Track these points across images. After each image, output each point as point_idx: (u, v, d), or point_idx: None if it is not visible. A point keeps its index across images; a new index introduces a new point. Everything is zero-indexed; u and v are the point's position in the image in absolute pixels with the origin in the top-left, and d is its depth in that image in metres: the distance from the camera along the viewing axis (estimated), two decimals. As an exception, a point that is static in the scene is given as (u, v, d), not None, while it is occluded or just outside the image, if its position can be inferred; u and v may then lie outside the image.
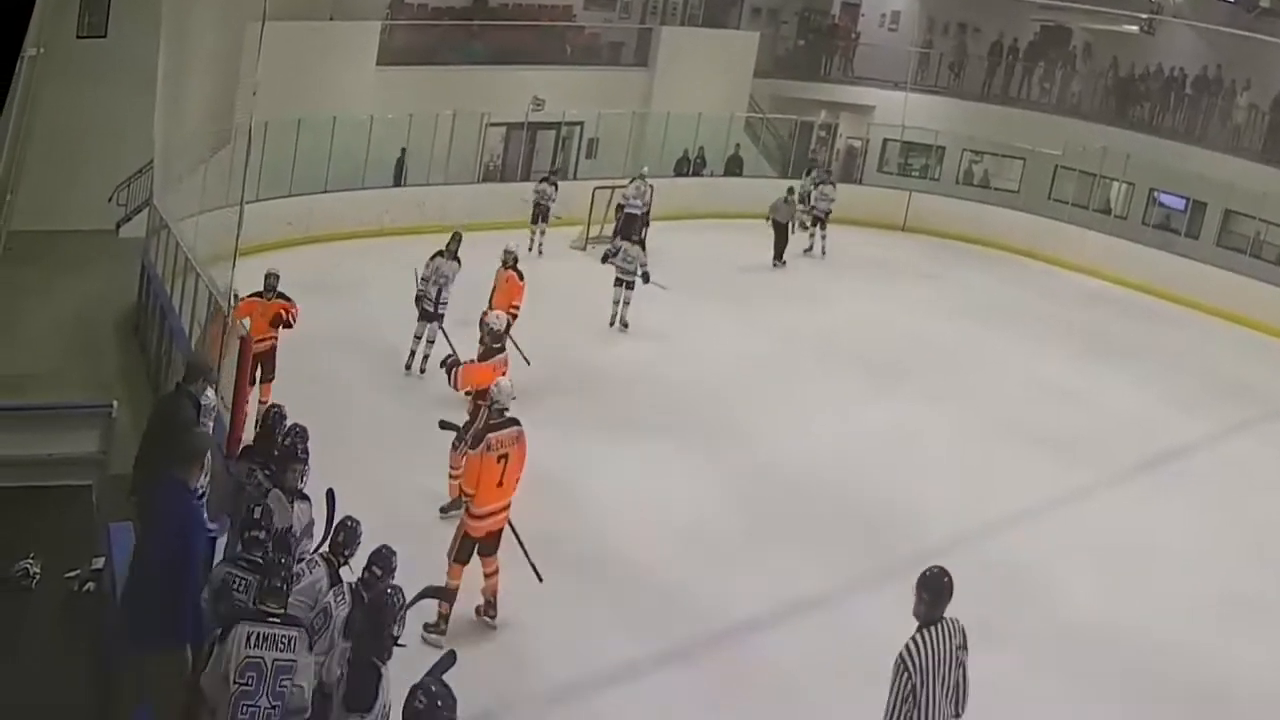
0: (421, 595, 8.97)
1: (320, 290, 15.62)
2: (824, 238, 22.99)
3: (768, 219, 21.87)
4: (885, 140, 28.16)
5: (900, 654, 6.07)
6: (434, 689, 5.03)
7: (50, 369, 12.92)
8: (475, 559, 9.04)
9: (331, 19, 22.05)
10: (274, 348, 12.34)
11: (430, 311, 14.25)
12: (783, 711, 8.65)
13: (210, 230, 13.33)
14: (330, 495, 7.30)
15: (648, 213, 21.06)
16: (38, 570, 8.65)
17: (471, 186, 23.07)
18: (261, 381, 11.95)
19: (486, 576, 9.16)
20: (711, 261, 21.01)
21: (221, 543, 7.42)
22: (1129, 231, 24.32)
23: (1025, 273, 23.54)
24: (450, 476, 10.79)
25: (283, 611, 5.80)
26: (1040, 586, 10.81)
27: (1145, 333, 20.08)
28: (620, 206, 21.18)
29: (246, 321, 11.40)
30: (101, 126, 17.87)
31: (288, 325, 12.44)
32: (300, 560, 6.70)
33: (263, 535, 6.58)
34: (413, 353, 14.37)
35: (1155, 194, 24.83)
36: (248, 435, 9.19)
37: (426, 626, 8.65)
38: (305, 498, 7.55)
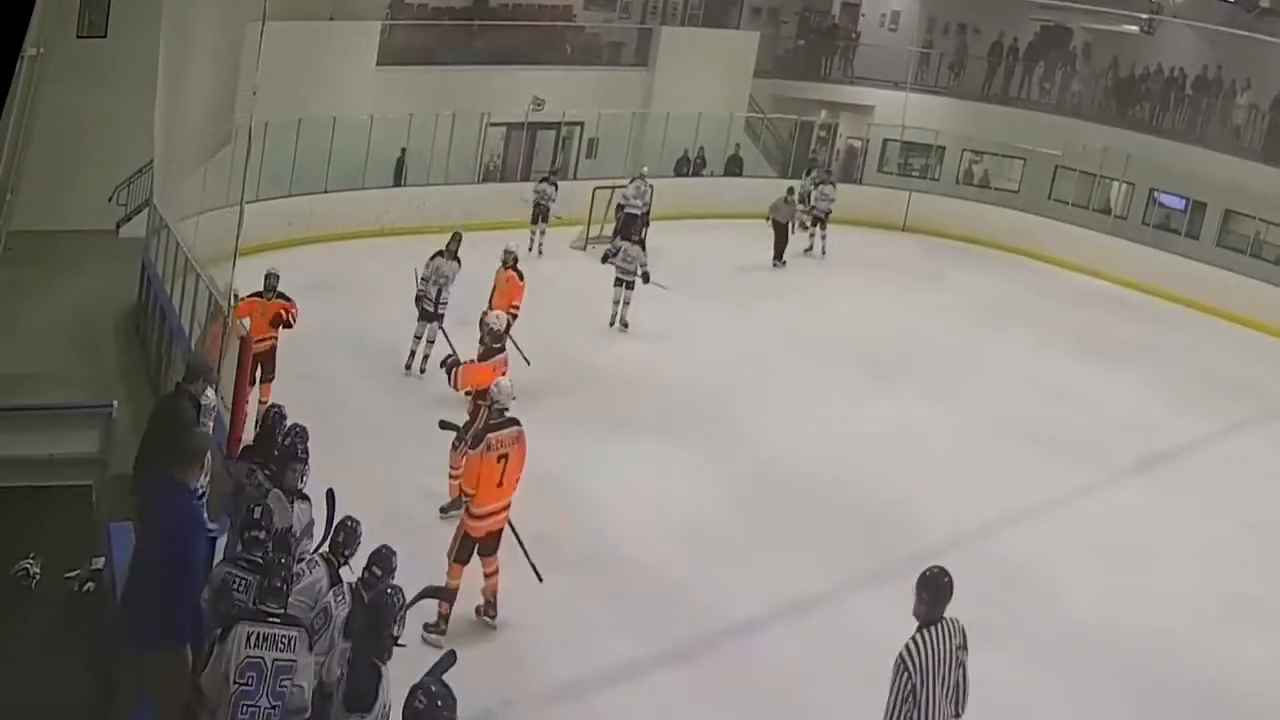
0: (422, 595, 8.97)
1: (320, 290, 15.63)
2: (824, 238, 22.99)
3: (768, 219, 21.87)
4: (885, 140, 28.14)
5: (900, 654, 6.07)
6: (434, 689, 5.02)
7: (50, 369, 12.93)
8: (475, 559, 9.04)
9: (331, 19, 22.05)
10: (274, 347, 12.35)
11: (430, 311, 14.25)
12: (783, 710, 8.65)
13: (210, 230, 13.32)
14: (330, 495, 7.30)
15: (648, 213, 21.07)
16: (38, 570, 8.68)
17: (472, 187, 23.07)
18: (261, 381, 11.95)
19: (486, 576, 9.16)
20: (711, 261, 21.02)
21: (222, 543, 7.42)
22: (1129, 231, 24.30)
23: (1025, 273, 23.54)
24: (450, 477, 10.79)
25: (283, 611, 5.80)
26: (1040, 586, 10.82)
27: (1145, 332, 20.08)
28: (620, 206, 21.19)
29: (246, 321, 11.40)
30: (101, 126, 17.89)
31: (288, 325, 12.44)
32: (300, 560, 6.70)
33: (262, 535, 6.58)
34: (413, 353, 14.37)
35: (1155, 194, 24.80)
36: (247, 435, 9.20)
37: (426, 626, 8.65)
38: (305, 498, 7.56)
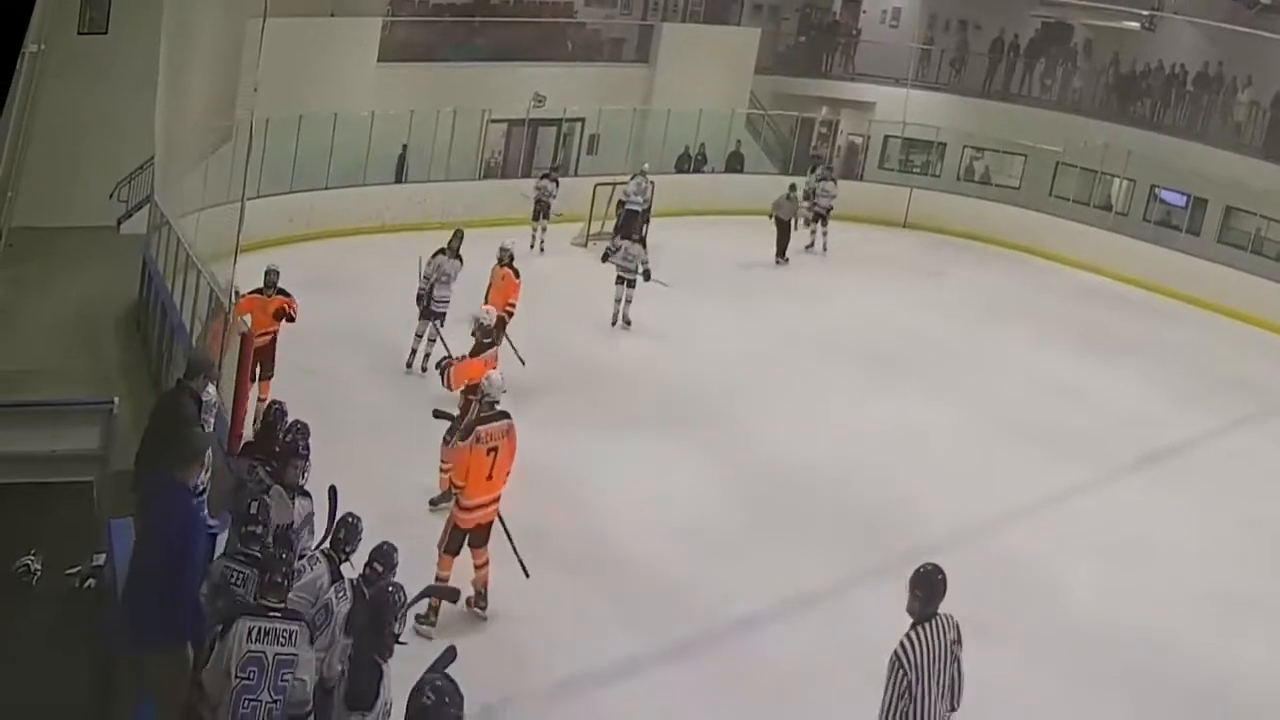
0: (424, 594, 9.01)
1: (321, 287, 15.63)
2: (825, 234, 22.98)
3: (770, 216, 21.86)
4: (886, 137, 28.16)
5: (895, 651, 6.08)
6: (441, 685, 4.99)
7: (51, 365, 12.93)
8: (466, 551, 9.06)
9: (333, 15, 22.05)
10: (274, 341, 12.32)
11: (432, 310, 14.21)
12: (783, 708, 8.66)
13: (211, 227, 13.32)
14: (333, 492, 7.31)
15: (649, 209, 21.07)
16: (39, 566, 8.68)
17: (473, 183, 23.08)
18: (260, 379, 11.92)
19: (477, 568, 9.20)
20: (712, 258, 21.02)
21: (223, 539, 7.43)
22: (1130, 228, 24.28)
23: (1026, 269, 23.54)
24: (440, 470, 10.82)
25: (283, 606, 5.81)
26: (1040, 584, 10.82)
27: (1146, 329, 20.08)
28: (621, 203, 21.19)
29: (248, 318, 11.40)
30: (102, 123, 17.89)
31: (290, 319, 12.43)
32: (301, 557, 6.70)
33: (259, 530, 6.59)
34: (414, 351, 14.33)
35: (1156, 190, 24.79)
36: (248, 432, 9.20)
37: (418, 618, 8.65)
38: (306, 494, 7.56)
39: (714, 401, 14.45)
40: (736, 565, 10.51)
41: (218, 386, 9.25)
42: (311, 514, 7.51)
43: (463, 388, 10.88)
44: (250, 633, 5.65)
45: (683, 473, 12.33)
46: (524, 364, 13.84)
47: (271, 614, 5.73)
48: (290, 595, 5.96)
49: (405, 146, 22.28)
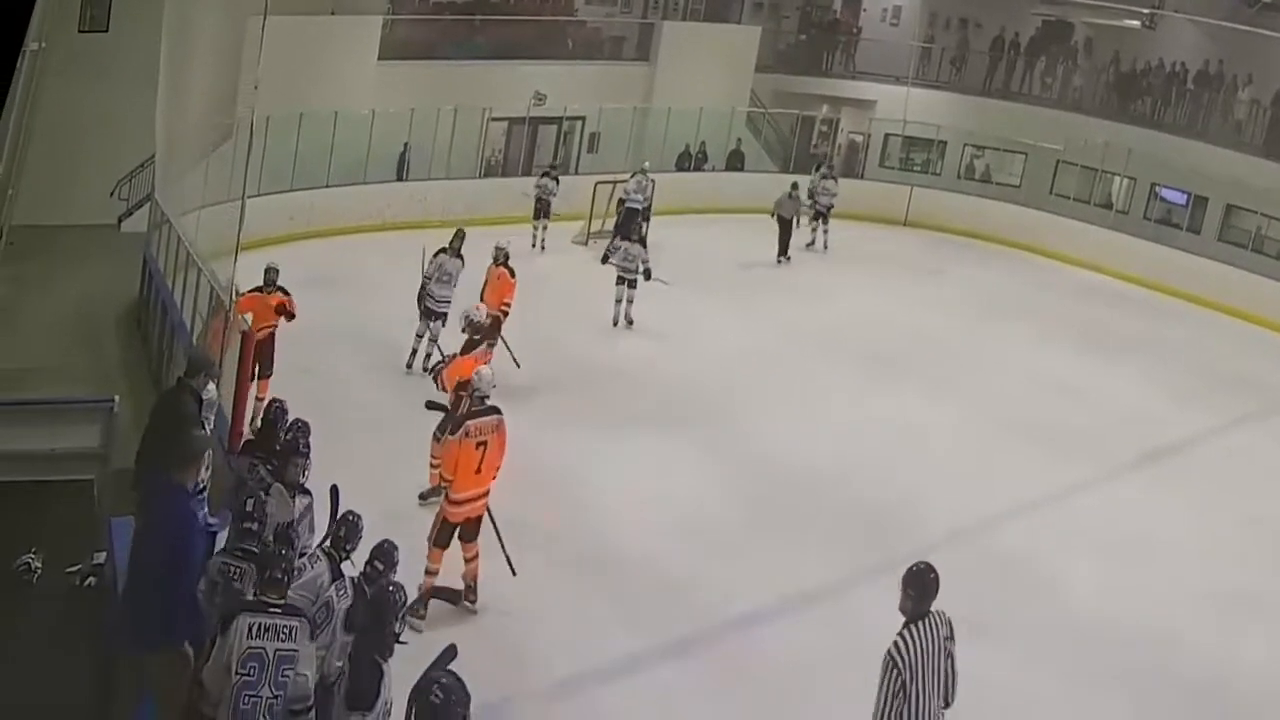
0: (427, 596, 9.03)
1: (322, 285, 15.64)
2: (826, 233, 22.98)
3: (773, 215, 21.84)
4: (887, 135, 28.16)
5: (889, 650, 6.09)
6: (448, 683, 4.98)
7: (52, 363, 12.94)
8: (456, 545, 9.09)
9: (333, 13, 22.05)
10: (272, 336, 12.26)
11: (433, 310, 14.18)
12: (783, 706, 8.65)
13: (212, 225, 13.33)
14: (334, 491, 7.31)
15: (649, 207, 21.07)
16: (39, 565, 8.69)
17: (473, 181, 23.09)
18: (259, 378, 11.85)
19: (466, 561, 9.23)
20: (713, 256, 21.01)
21: (223, 538, 7.43)
22: (1130, 226, 24.28)
23: (1026, 267, 23.53)
24: (430, 465, 10.85)
25: (284, 602, 5.81)
26: (1040, 582, 10.81)
27: (1146, 327, 20.07)
28: (621, 201, 21.18)
29: (249, 316, 11.41)
30: (103, 121, 17.89)
31: (290, 317, 12.42)
32: (302, 555, 6.71)
33: (255, 527, 6.60)
34: (414, 351, 14.28)
35: (1156, 189, 24.79)
36: (248, 430, 9.20)
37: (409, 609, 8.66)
38: (307, 492, 7.57)
39: (714, 400, 14.45)
40: (737, 564, 10.52)
41: (218, 385, 9.25)
42: (312, 511, 7.51)
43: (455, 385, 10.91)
44: (250, 629, 5.65)
45: (683, 472, 12.33)
46: (519, 366, 13.83)
47: (272, 610, 5.74)
48: (291, 593, 5.96)
49: (406, 145, 22.27)
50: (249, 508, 6.70)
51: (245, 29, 15.10)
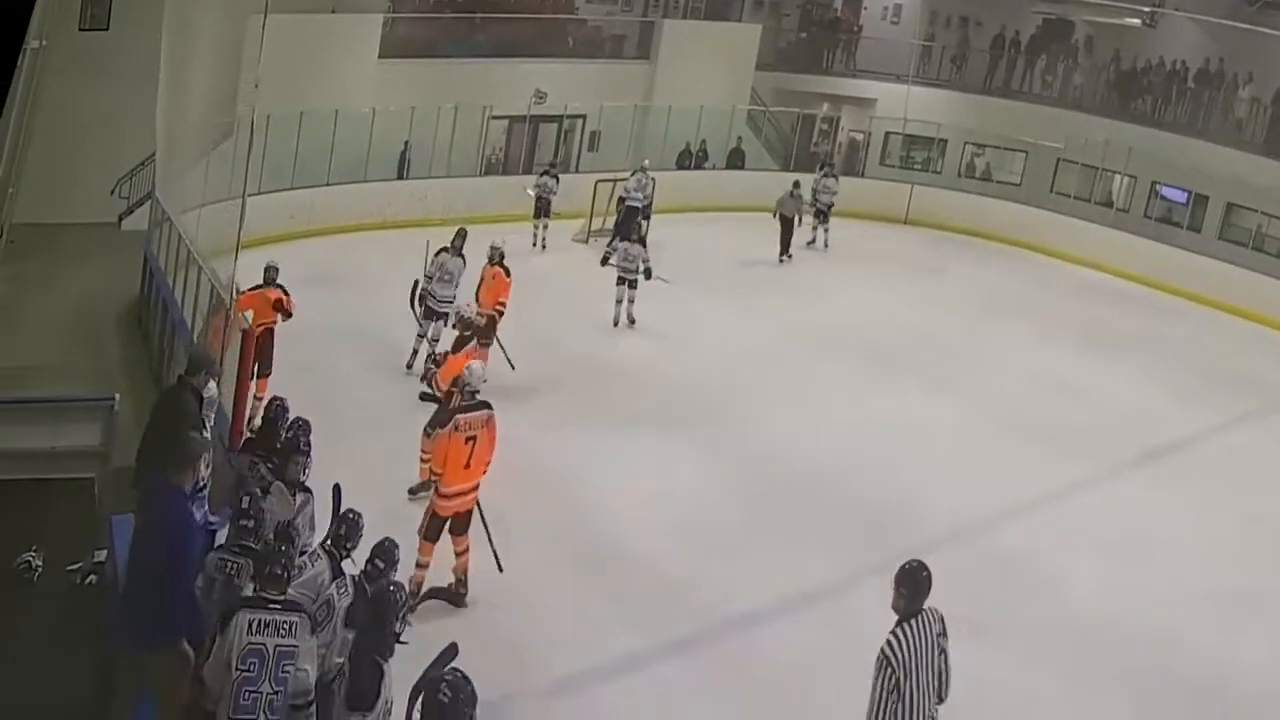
0: (426, 596, 9.04)
1: (322, 283, 15.64)
2: (826, 231, 22.98)
3: (774, 214, 21.84)
4: (887, 133, 28.17)
5: (882, 649, 6.11)
6: (455, 681, 4.96)
7: (53, 361, 12.95)
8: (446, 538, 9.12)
9: (334, 11, 22.06)
10: (271, 332, 12.24)
11: (434, 310, 14.13)
12: (783, 705, 8.65)
13: (212, 223, 13.33)
14: (337, 490, 7.31)
15: (649, 206, 21.08)
16: (40, 563, 8.70)
17: (474, 179, 23.11)
18: (258, 377, 11.80)
19: (457, 555, 9.25)
20: (713, 255, 21.01)
21: (223, 536, 7.44)
22: (1131, 225, 24.29)
23: (1027, 266, 23.53)
24: (420, 460, 10.86)
25: (283, 598, 5.81)
26: (1040, 581, 10.80)
27: (1146, 326, 20.07)
28: (622, 199, 21.18)
29: (249, 314, 11.41)
30: (104, 119, 17.91)
31: (287, 315, 12.42)
32: (302, 554, 6.71)
33: (252, 524, 6.61)
34: (415, 351, 14.21)
35: (1157, 187, 24.80)
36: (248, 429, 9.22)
37: None
38: (307, 490, 7.57)
39: (714, 399, 14.44)
40: (737, 563, 10.51)
41: (219, 383, 9.26)
42: (312, 510, 7.52)
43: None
44: (250, 625, 5.66)
45: (683, 471, 12.32)
46: (514, 368, 13.82)
47: (271, 605, 5.74)
48: (291, 591, 5.97)
49: (406, 143, 22.28)
50: (245, 505, 6.71)
51: (246, 27, 15.11)
